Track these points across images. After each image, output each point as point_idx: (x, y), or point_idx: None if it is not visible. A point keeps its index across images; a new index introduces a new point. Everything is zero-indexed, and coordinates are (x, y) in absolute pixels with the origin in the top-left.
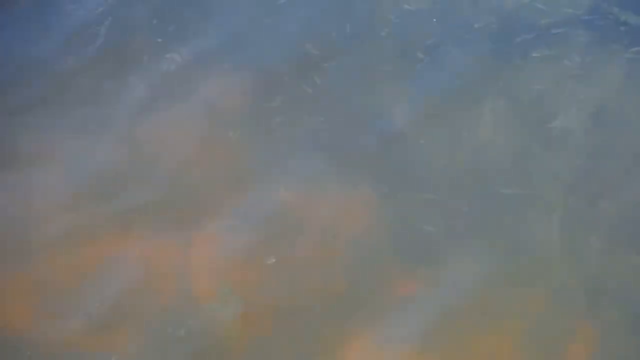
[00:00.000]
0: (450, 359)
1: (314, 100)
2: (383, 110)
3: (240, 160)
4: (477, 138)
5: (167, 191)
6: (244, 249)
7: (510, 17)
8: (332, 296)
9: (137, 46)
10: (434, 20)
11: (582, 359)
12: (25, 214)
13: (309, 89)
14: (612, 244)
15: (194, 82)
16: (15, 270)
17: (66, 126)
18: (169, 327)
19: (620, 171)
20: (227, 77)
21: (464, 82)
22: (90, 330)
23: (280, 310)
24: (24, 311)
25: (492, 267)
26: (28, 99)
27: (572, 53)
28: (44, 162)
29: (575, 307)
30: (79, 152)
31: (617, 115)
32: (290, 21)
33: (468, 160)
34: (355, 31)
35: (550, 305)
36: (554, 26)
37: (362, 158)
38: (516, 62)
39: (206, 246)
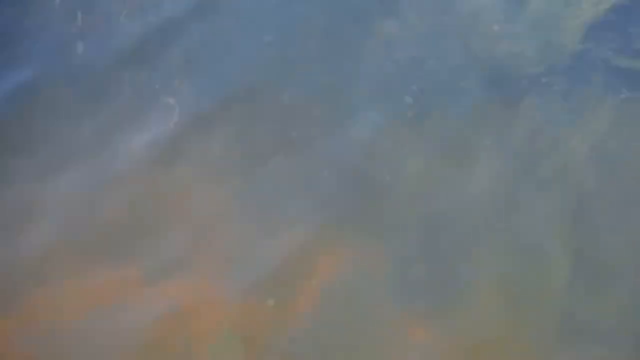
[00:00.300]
0: None
1: (303, 145)
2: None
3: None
4: (467, 186)
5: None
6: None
7: (501, 65)
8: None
9: None
10: (424, 67)
11: None
12: None
13: (294, 132)
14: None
15: None
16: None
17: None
18: None
19: (613, 215)
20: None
21: (452, 129)
22: None
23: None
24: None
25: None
26: None
27: (563, 101)
28: None
29: None
30: None
31: (608, 162)
32: (273, 64)
33: (459, 207)
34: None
35: None
36: (545, 74)
37: (353, 208)
38: (507, 111)
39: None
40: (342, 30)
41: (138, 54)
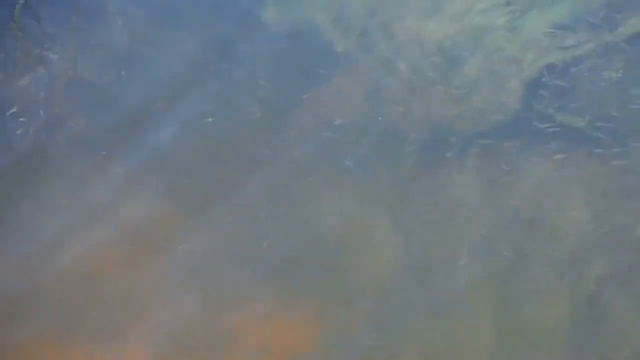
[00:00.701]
0: None
1: (241, 212)
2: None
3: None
4: (400, 251)
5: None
6: None
7: (440, 128)
8: None
9: None
10: (366, 131)
11: None
12: None
13: (238, 199)
14: None
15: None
16: None
17: None
18: None
19: (549, 277)
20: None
21: (389, 191)
22: None
23: None
24: None
25: None
26: None
27: (502, 161)
28: None
29: None
30: None
31: (545, 225)
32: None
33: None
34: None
35: None
36: (483, 134)
37: (297, 271)
38: (443, 172)
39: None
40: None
41: None
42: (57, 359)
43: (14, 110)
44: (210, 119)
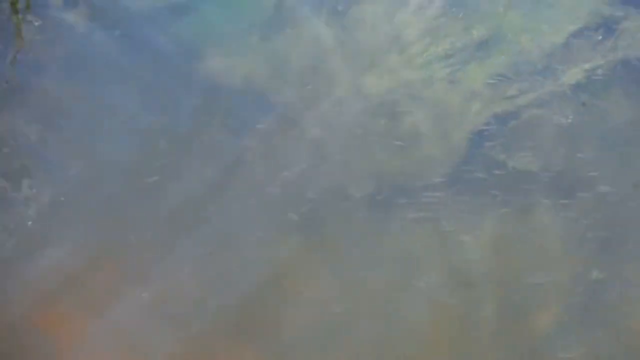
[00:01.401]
0: None
1: (180, 264)
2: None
3: None
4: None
5: None
6: None
7: (385, 181)
8: None
9: None
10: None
11: None
12: None
13: (180, 250)
14: None
15: None
16: None
17: None
18: None
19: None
20: None
21: (333, 249)
22: None
23: None
24: None
25: None
26: None
27: (447, 214)
28: None
29: None
30: None
31: (488, 279)
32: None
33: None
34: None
35: None
36: (426, 188)
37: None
38: (390, 227)
39: None
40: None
41: None
42: None
43: None
44: (156, 178)
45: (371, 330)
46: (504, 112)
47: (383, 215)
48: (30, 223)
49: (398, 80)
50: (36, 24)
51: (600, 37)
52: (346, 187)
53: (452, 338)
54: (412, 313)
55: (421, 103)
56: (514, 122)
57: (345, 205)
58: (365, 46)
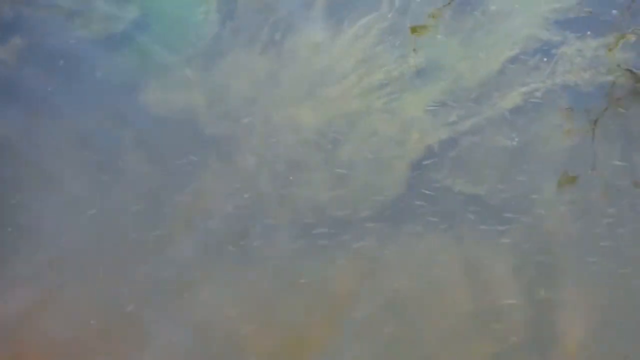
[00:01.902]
0: None
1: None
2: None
3: None
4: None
5: None
6: None
7: (325, 213)
8: None
9: None
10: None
11: None
12: None
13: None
14: None
15: None
16: None
17: None
18: None
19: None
20: None
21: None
22: None
23: None
24: None
25: None
26: None
27: (388, 242)
28: None
29: None
30: None
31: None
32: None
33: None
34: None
35: None
36: (370, 218)
37: None
38: (327, 259)
39: None
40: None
41: None
42: None
43: None
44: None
45: None
46: (441, 140)
47: (318, 246)
48: None
49: (334, 111)
50: None
51: (537, 62)
52: (282, 218)
53: None
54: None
55: (358, 133)
56: (452, 149)
57: (280, 236)
58: (300, 77)
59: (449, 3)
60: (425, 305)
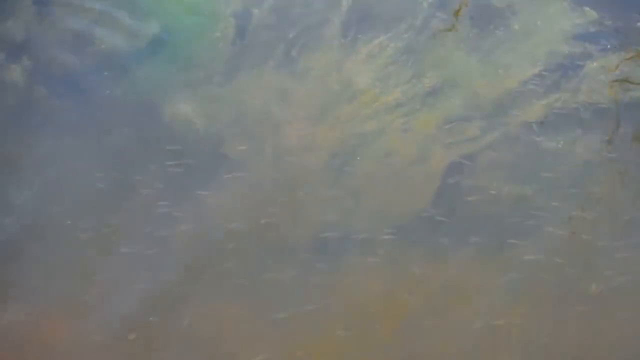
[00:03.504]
0: None
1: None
2: None
3: None
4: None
5: None
6: None
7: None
8: None
9: None
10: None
11: None
12: None
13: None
14: None
15: None
16: None
17: None
18: None
19: None
20: None
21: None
22: None
23: None
24: None
25: None
26: None
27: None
28: None
29: None
30: None
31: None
32: None
33: None
34: None
35: None
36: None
37: None
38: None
39: None
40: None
41: None
42: None
43: None
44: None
45: None
46: (455, 158)
47: (333, 266)
48: None
49: (348, 130)
50: None
51: (558, 78)
52: (292, 238)
53: None
54: None
55: (371, 152)
56: (469, 165)
57: (288, 257)
58: (315, 95)
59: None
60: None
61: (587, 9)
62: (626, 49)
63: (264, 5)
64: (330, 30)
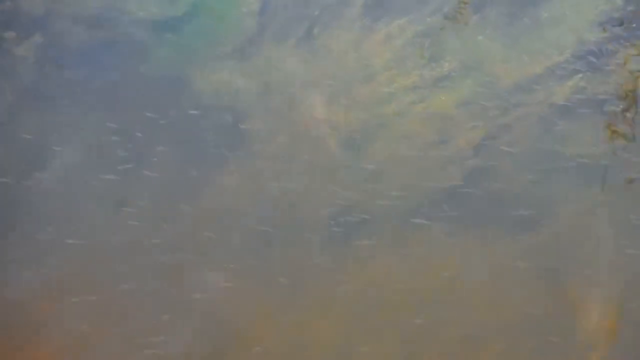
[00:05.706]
0: None
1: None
2: None
3: None
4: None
5: None
6: None
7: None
8: None
9: None
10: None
11: None
12: None
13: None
14: None
15: None
16: None
17: None
18: None
19: None
20: None
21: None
22: None
23: None
24: None
25: None
26: None
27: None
28: None
29: None
30: None
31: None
32: None
33: None
34: None
35: None
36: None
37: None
38: (363, 255)
39: None
40: None
41: None
42: None
43: None
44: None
45: None
46: (473, 141)
47: (351, 245)
48: None
49: (368, 112)
50: None
51: (582, 65)
52: (307, 218)
53: None
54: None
55: (392, 133)
56: (485, 148)
57: (305, 236)
58: (334, 75)
59: None
60: None
61: None
62: None
63: None
64: (351, 11)
